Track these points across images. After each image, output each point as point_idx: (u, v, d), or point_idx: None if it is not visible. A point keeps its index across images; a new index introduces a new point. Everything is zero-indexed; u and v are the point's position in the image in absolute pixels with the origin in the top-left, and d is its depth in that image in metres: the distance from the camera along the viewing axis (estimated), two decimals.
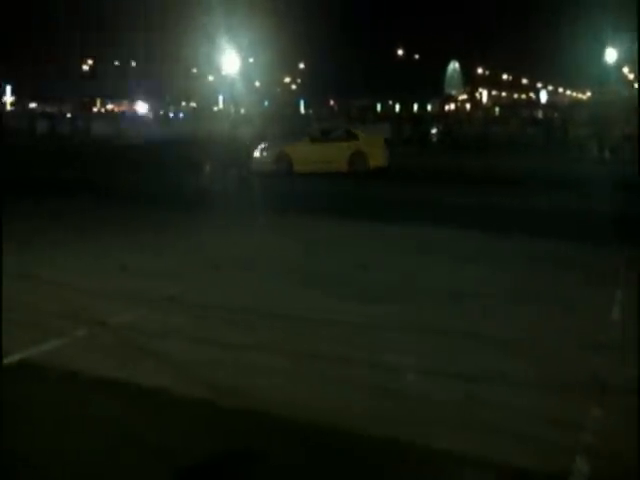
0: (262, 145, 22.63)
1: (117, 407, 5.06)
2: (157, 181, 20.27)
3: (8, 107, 73.29)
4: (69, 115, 60.20)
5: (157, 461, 4.33)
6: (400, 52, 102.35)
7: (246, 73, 70.34)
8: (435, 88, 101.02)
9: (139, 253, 10.15)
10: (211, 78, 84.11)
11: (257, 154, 22.08)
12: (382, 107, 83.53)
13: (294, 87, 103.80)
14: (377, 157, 21.65)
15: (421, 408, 4.96)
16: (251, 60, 75.20)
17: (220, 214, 14.07)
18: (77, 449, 4.47)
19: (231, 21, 63.62)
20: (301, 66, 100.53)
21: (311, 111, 76.97)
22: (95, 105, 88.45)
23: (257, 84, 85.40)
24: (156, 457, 4.38)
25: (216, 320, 7.02)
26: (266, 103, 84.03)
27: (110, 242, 10.98)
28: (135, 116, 76.70)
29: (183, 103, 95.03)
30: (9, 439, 4.53)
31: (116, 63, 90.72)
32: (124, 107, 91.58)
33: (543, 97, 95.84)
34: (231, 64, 64.65)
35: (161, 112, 78.94)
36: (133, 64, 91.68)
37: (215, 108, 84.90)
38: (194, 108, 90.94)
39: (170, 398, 5.15)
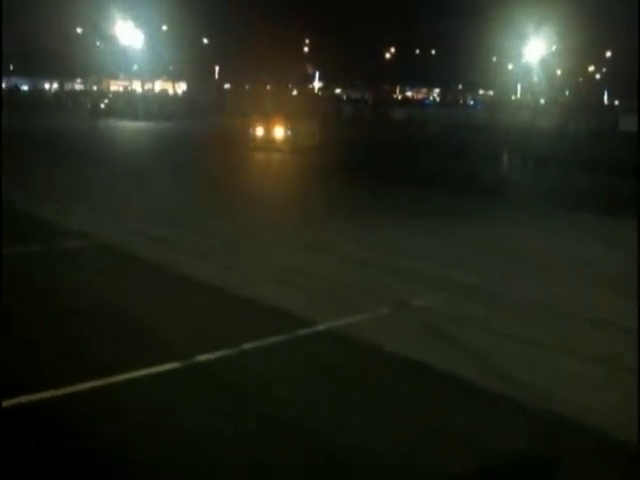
0: None
1: (416, 388, 5.15)
2: (455, 167, 20.37)
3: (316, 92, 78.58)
4: (371, 101, 62.71)
5: (461, 450, 4.32)
6: None
7: (547, 61, 67.76)
8: None
9: (432, 237, 10.32)
10: (510, 67, 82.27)
11: None
12: None
13: (598, 76, 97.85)
14: None
15: None
16: (553, 48, 72.18)
17: (516, 204, 13.79)
18: (371, 422, 4.63)
19: (539, 9, 61.54)
20: (607, 54, 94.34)
21: (617, 102, 71.96)
22: (395, 92, 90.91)
23: (558, 72, 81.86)
24: (458, 446, 4.37)
25: (515, 314, 6.87)
26: (567, 92, 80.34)
27: (404, 224, 11.29)
28: (431, 103, 77.76)
29: (481, 92, 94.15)
30: (321, 405, 4.84)
31: (417, 51, 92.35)
32: (422, 95, 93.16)
33: None
34: (533, 52, 62.67)
35: (452, 100, 79.19)
36: (432, 52, 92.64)
37: (513, 97, 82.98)
38: (491, 97, 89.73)
39: (470, 387, 5.13)
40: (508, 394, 5.01)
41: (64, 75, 72.07)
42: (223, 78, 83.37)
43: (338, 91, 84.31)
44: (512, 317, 6.76)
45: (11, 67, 75.30)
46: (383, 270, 8.34)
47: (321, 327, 6.26)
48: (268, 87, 74.34)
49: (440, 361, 5.52)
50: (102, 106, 46.92)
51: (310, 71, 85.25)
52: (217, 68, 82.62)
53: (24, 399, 4.70)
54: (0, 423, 4.43)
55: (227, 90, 76.34)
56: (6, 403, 4.61)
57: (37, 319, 6.40)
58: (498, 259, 9.16)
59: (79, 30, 72.93)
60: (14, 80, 72.99)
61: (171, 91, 75.92)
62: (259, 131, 23.27)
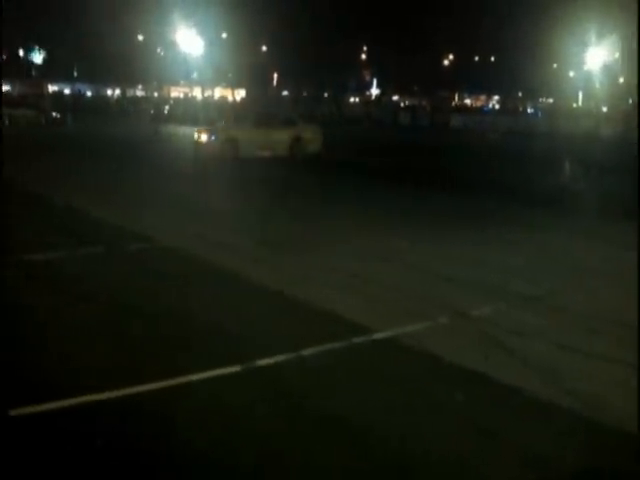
0: None
1: (475, 398, 5.12)
2: (513, 175, 20.14)
3: (373, 99, 78.71)
4: (428, 108, 62.45)
5: (518, 463, 4.30)
6: None
7: (610, 68, 66.38)
8: None
9: (492, 247, 10.24)
10: (572, 74, 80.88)
11: None
12: None
13: None
14: None
15: None
16: (617, 55, 70.69)
17: (579, 214, 13.56)
18: (431, 431, 4.62)
19: (601, 15, 60.37)
20: None
21: None
22: (454, 99, 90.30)
23: (621, 80, 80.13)
24: (516, 458, 4.34)
25: (575, 326, 6.76)
26: (630, 101, 78.52)
27: (463, 232, 11.21)
28: (490, 110, 77.00)
29: (541, 99, 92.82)
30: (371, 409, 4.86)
31: (476, 58, 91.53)
32: (480, 102, 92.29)
33: None
34: (595, 59, 61.49)
35: (512, 107, 78.17)
36: (492, 58, 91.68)
37: (574, 105, 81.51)
38: (551, 104, 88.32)
39: (528, 399, 5.07)
40: (566, 405, 4.95)
41: (126, 81, 73.64)
42: (281, 85, 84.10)
43: (396, 98, 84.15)
44: (572, 329, 6.66)
45: (75, 73, 77.35)
46: (443, 279, 8.31)
47: (380, 335, 6.27)
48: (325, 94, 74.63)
49: (499, 372, 5.48)
50: (163, 112, 47.82)
51: (368, 78, 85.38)
52: (275, 75, 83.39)
53: (90, 398, 4.85)
54: (73, 421, 4.58)
55: (285, 97, 76.95)
56: (78, 400, 4.77)
57: (103, 320, 6.57)
58: (560, 270, 9.03)
59: (141, 37, 74.47)
60: (78, 86, 74.97)
61: (230, 98, 76.84)
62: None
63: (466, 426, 4.70)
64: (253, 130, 21.92)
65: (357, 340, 6.13)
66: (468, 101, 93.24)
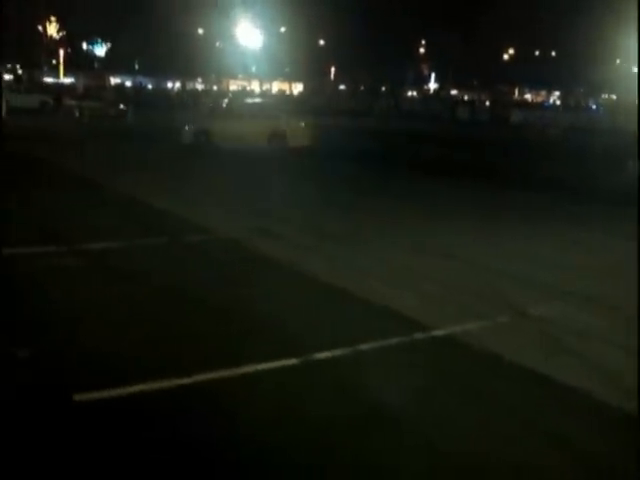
0: None
1: (536, 398, 5.07)
2: (575, 172, 19.75)
3: (431, 93, 78.13)
4: (488, 103, 61.62)
5: (581, 466, 4.25)
6: None
7: None
8: None
9: (550, 244, 10.09)
10: (635, 69, 78.85)
11: None
12: None
13: None
14: None
15: None
16: None
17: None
18: (493, 431, 4.59)
19: None
20: None
21: None
22: (514, 94, 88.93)
23: None
24: (579, 461, 4.29)
25: (635, 328, 6.61)
26: None
27: (523, 229, 11.07)
28: (551, 106, 75.65)
29: (604, 95, 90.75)
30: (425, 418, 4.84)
31: (536, 52, 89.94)
32: (541, 97, 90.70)
33: None
34: None
35: (574, 103, 76.66)
36: (553, 53, 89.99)
37: (637, 101, 79.41)
38: (613, 100, 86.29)
39: (590, 401, 5.00)
40: (628, 409, 4.86)
41: (186, 74, 74.58)
42: (339, 79, 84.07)
43: (454, 92, 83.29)
44: (631, 329, 6.51)
45: (136, 66, 78.68)
46: (502, 276, 8.23)
47: (439, 332, 6.25)
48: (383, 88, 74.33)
49: (560, 373, 5.41)
50: (222, 105, 48.29)
51: (426, 72, 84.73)
52: (333, 69, 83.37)
53: (154, 385, 4.95)
54: (139, 406, 4.71)
55: (342, 91, 76.91)
56: (144, 387, 4.90)
57: (167, 309, 6.69)
58: (621, 270, 8.83)
59: (201, 31, 75.28)
60: (139, 79, 76.22)
61: (287, 91, 77.15)
62: None
63: (529, 428, 4.65)
64: (225, 122, 23.58)
65: (416, 336, 6.12)
66: (528, 96, 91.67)
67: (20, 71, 65.13)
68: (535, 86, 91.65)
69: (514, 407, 4.94)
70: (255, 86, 73.55)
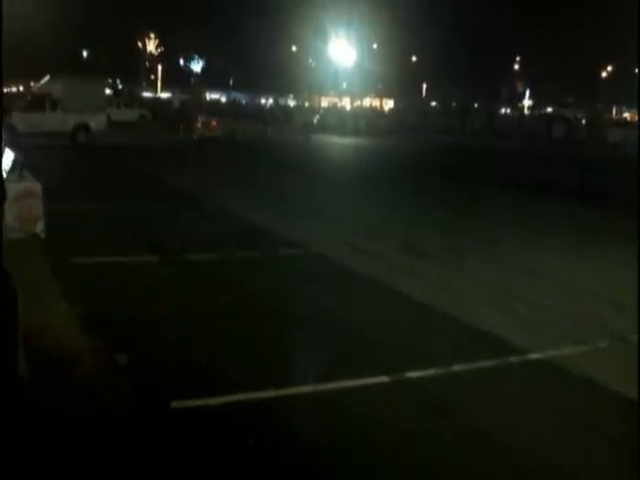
0: None
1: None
2: None
3: (526, 110, 76.67)
4: (584, 121, 59.95)
5: None
6: None
7: None
8: None
9: None
10: None
11: None
12: None
13: None
14: None
15: None
16: None
17: None
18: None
19: None
20: None
21: None
22: (610, 112, 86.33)
23: None
24: None
25: None
26: None
27: (616, 251, 10.66)
28: None
29: None
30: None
31: (636, 70, 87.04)
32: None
33: None
34: None
35: None
36: None
37: None
38: None
39: None
40: None
41: (278, 90, 75.77)
42: (430, 95, 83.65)
43: (549, 110, 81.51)
44: None
45: (231, 82, 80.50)
46: (595, 298, 7.97)
47: (535, 355, 6.07)
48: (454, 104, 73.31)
49: None
50: (314, 122, 48.79)
51: (520, 89, 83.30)
52: (424, 85, 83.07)
53: (247, 396, 5.01)
54: (230, 416, 4.77)
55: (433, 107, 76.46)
56: (235, 397, 4.96)
57: (259, 322, 6.76)
58: None
59: (294, 48, 76.41)
60: (233, 94, 77.95)
61: (379, 108, 77.23)
62: None
63: (623, 456, 4.47)
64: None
65: (510, 359, 5.97)
66: (627, 115, 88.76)
67: (120, 86, 67.46)
68: (634, 104, 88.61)
69: (610, 434, 4.77)
70: (346, 102, 73.88)
